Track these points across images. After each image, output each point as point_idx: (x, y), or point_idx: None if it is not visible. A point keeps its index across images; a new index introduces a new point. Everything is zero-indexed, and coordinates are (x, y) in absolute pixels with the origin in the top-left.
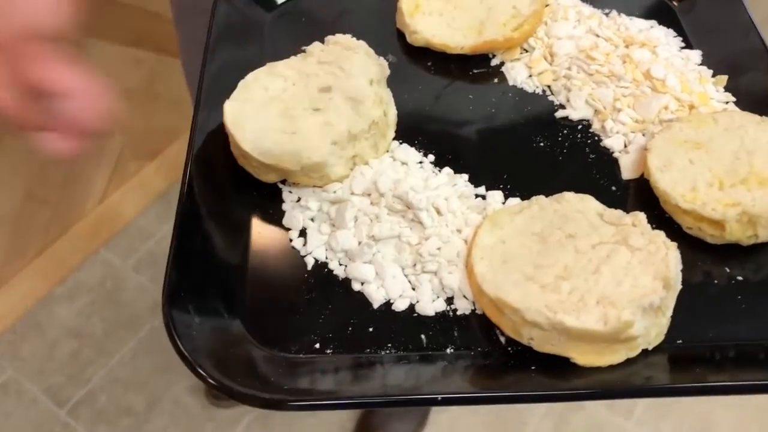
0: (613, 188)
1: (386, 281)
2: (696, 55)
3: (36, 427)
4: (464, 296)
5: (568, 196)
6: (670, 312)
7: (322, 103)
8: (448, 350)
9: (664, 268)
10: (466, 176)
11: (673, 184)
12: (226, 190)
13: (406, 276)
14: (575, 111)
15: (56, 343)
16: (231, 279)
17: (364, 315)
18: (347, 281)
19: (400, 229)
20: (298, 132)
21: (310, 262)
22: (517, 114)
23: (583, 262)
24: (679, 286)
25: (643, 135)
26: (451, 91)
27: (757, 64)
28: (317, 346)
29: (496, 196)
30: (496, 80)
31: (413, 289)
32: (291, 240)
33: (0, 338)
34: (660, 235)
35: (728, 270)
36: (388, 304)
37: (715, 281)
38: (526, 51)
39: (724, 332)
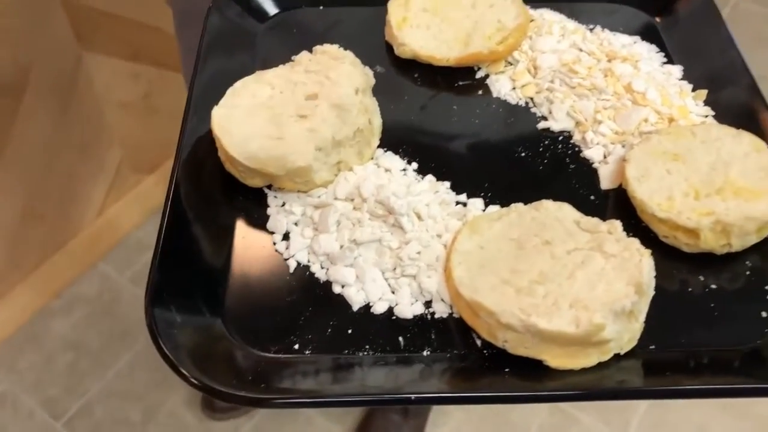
0: (592, 197)
1: (366, 284)
2: (677, 70)
3: None
4: (442, 300)
5: (546, 203)
6: (642, 317)
7: (308, 110)
8: (425, 352)
9: (637, 274)
10: (448, 184)
11: (650, 194)
12: (212, 194)
13: (386, 279)
14: (557, 122)
15: (53, 355)
16: (214, 280)
17: (343, 317)
18: (328, 284)
19: (381, 234)
20: (283, 137)
21: (292, 265)
22: (500, 125)
23: (558, 268)
24: (652, 292)
25: (623, 146)
26: (437, 102)
27: (736, 79)
28: (296, 346)
29: (477, 203)
30: (480, 92)
31: (393, 292)
32: (275, 243)
33: None
34: (634, 243)
35: (702, 278)
36: (367, 307)
37: (690, 289)
38: (511, 64)
39: (697, 338)
